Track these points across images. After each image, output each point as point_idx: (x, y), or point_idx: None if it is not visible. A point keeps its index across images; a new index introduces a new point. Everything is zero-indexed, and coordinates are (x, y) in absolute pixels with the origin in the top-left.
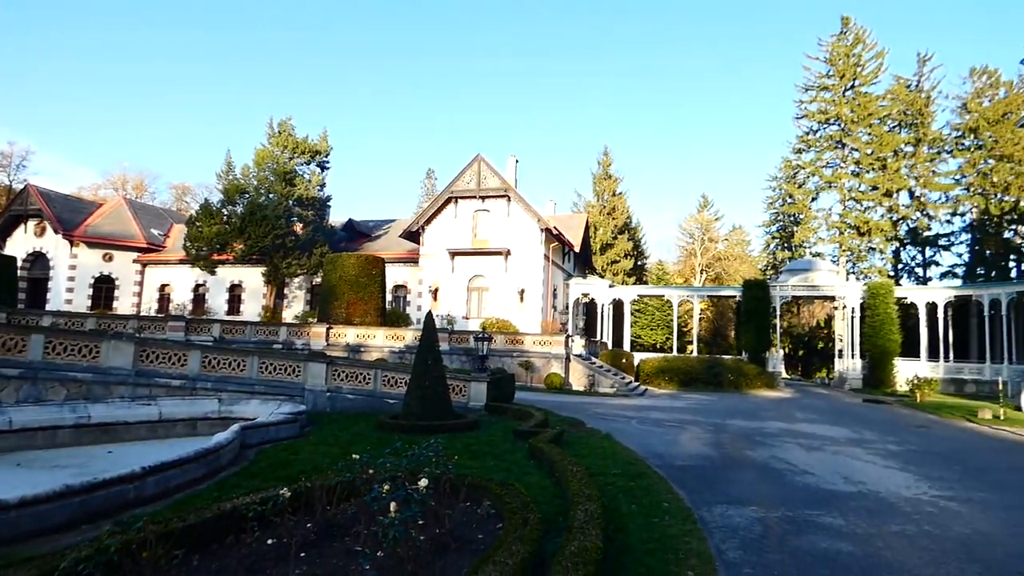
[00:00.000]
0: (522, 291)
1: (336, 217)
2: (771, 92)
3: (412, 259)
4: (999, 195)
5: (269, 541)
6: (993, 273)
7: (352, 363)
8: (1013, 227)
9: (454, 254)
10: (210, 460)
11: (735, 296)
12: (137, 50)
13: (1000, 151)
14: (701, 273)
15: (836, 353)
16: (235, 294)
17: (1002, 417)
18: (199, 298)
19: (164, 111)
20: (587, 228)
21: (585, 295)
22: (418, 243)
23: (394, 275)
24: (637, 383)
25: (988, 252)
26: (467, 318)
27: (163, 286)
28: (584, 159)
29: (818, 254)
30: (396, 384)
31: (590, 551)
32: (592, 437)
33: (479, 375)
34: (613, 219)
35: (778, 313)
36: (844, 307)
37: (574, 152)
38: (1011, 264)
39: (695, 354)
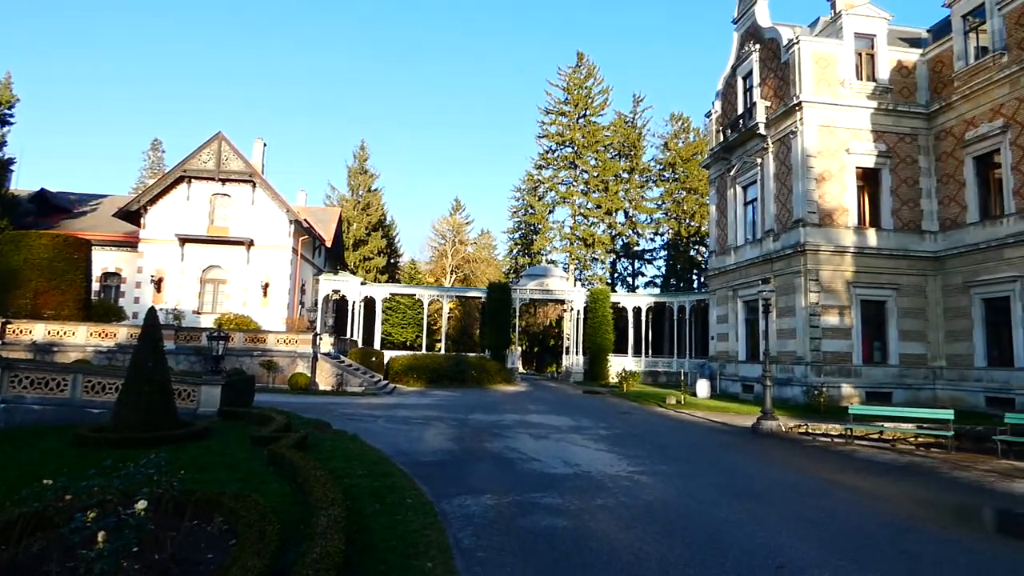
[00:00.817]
0: (266, 285)
1: (23, 185)
2: (521, 109)
3: (130, 243)
4: (688, 220)
5: None
6: (682, 284)
7: (41, 366)
8: (696, 247)
9: (185, 240)
10: None
11: (481, 297)
12: None
13: (690, 185)
14: (451, 274)
15: (564, 350)
16: None
17: (683, 402)
18: None
19: None
20: (340, 223)
21: (336, 292)
22: (139, 225)
23: (104, 261)
24: (386, 381)
25: (679, 266)
26: (199, 313)
27: None
28: (339, 151)
29: (553, 262)
30: (104, 390)
31: (332, 556)
32: (338, 439)
33: (212, 377)
34: (368, 215)
35: (518, 314)
36: (572, 310)
37: (329, 143)
38: (694, 277)
39: (443, 352)
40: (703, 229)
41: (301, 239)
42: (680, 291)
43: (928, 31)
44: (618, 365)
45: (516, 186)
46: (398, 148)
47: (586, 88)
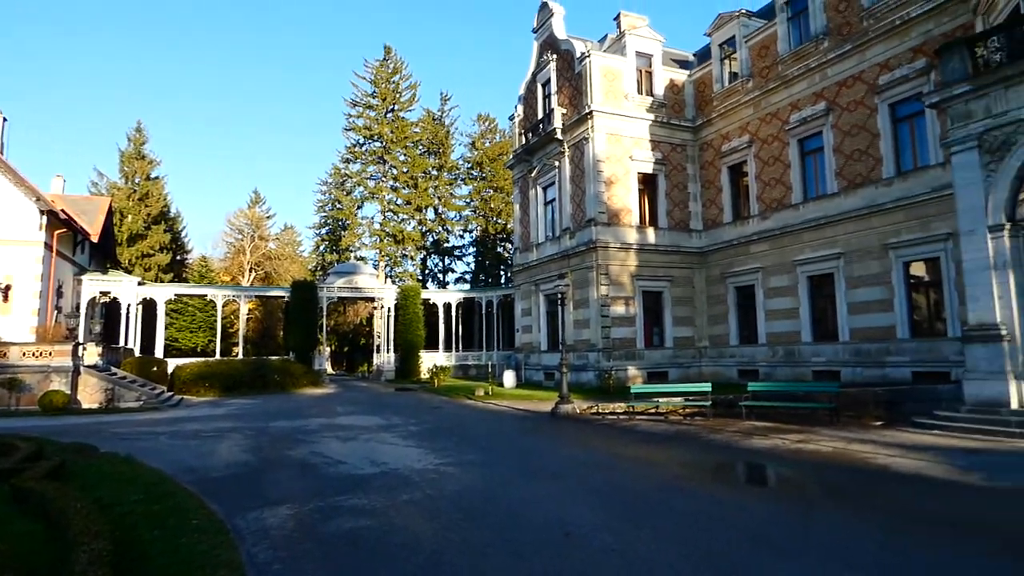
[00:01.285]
0: (7, 288)
1: None
2: (327, 99)
3: None
4: (495, 218)
5: None
6: (490, 279)
7: None
8: (503, 244)
9: None
10: None
11: (284, 296)
12: None
13: (496, 184)
14: (251, 272)
15: (375, 348)
16: None
17: (490, 393)
18: None
19: None
20: (110, 214)
21: (105, 294)
22: None
23: None
24: (171, 393)
25: (488, 262)
26: None
27: None
28: (110, 135)
29: (362, 258)
30: None
31: None
32: (107, 463)
33: None
34: (147, 206)
35: (325, 313)
36: (382, 307)
37: (95, 125)
38: (502, 272)
39: (241, 357)
40: (509, 227)
41: (57, 233)
42: (489, 286)
43: (694, 55)
44: (430, 361)
45: (322, 180)
46: (186, 135)
47: (394, 83)
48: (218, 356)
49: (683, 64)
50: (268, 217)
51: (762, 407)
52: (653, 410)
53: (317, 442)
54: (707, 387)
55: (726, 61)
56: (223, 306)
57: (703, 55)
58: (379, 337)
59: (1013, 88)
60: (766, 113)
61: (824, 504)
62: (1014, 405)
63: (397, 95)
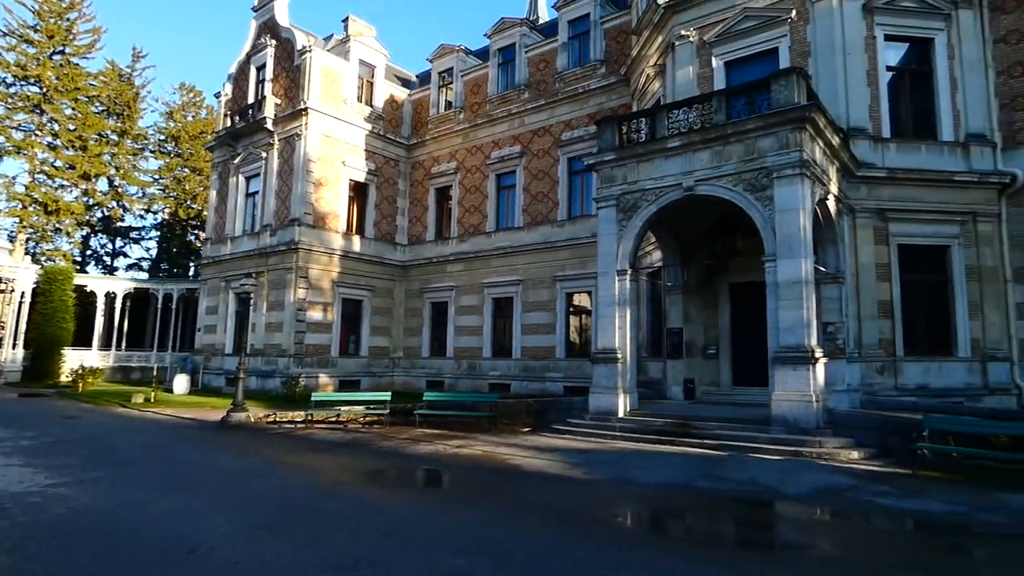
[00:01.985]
0: None
1: None
2: None
3: None
4: (188, 201)
5: None
6: (176, 270)
7: None
8: (196, 232)
9: None
10: None
11: None
12: None
13: (195, 164)
14: None
15: None
16: None
17: (152, 400)
18: None
19: None
20: None
21: None
22: None
23: None
24: None
25: (175, 250)
26: None
27: None
28: None
29: None
30: None
31: None
32: None
33: None
34: None
35: None
36: (14, 291)
37: None
38: (190, 263)
39: None
40: (204, 214)
41: None
42: (171, 277)
43: (417, 76)
44: (78, 360)
45: None
46: None
47: (68, 20)
48: None
49: (405, 83)
50: None
51: (434, 415)
52: (334, 418)
53: None
54: (387, 396)
55: (443, 89)
56: None
57: (424, 78)
58: (3, 328)
59: (643, 163)
60: (472, 145)
61: (462, 500)
62: (621, 414)
63: (71, 36)
